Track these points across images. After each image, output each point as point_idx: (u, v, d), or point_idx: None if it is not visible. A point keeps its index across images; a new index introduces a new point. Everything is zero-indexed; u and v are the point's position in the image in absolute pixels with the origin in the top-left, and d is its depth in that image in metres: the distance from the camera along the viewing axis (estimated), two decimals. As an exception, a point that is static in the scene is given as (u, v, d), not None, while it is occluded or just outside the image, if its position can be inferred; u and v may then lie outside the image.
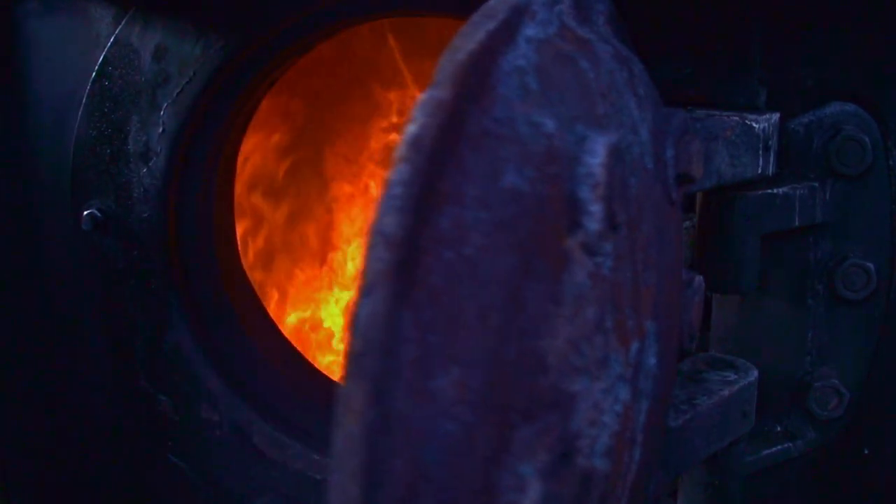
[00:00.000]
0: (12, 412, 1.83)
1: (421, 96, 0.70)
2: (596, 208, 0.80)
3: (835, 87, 1.42)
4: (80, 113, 1.68)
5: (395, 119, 2.65)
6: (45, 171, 1.73)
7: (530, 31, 0.84)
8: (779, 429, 1.50)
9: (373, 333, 0.62)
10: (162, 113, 1.66)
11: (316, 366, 2.14)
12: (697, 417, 1.23)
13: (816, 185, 1.42)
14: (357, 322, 0.63)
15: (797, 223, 1.40)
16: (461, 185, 0.70)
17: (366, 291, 0.63)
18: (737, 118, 1.29)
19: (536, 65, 0.82)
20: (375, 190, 2.69)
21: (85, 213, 1.69)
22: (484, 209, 0.71)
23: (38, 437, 1.85)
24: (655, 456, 1.11)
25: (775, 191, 1.37)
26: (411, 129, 0.68)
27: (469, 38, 0.74)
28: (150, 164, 1.68)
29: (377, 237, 0.64)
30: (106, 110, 1.67)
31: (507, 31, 0.79)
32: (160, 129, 1.67)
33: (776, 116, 1.36)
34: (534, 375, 0.77)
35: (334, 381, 2.13)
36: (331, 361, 2.54)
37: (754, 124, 1.28)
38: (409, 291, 0.64)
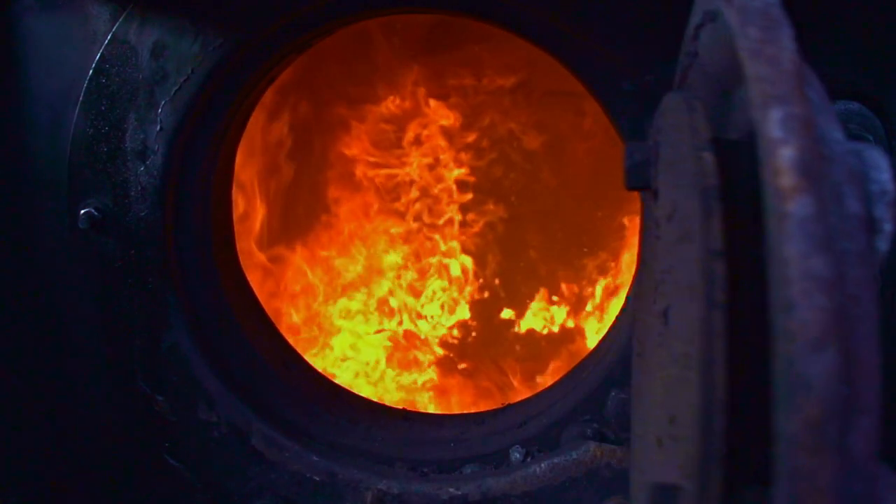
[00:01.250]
0: (8, 412, 1.82)
1: (772, 112, 0.61)
2: (889, 227, 0.72)
3: (839, 86, 1.41)
4: (77, 110, 1.67)
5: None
6: (41, 169, 1.71)
7: None
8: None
9: (835, 399, 0.55)
10: (160, 111, 1.64)
11: (314, 366, 2.13)
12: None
13: (820, 184, 1.41)
14: (810, 383, 0.55)
15: (801, 223, 1.39)
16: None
17: (814, 346, 0.55)
18: None
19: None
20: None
21: (82, 211, 1.68)
22: (847, 240, 0.65)
23: (35, 437, 1.84)
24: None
25: (779, 190, 1.36)
26: (788, 152, 0.59)
27: (775, 44, 0.65)
28: (148, 163, 1.67)
29: (810, 282, 0.56)
30: (103, 108, 1.66)
31: None
32: (158, 128, 1.65)
33: (782, 114, 1.35)
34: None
35: (332, 382, 2.12)
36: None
37: None
38: None
